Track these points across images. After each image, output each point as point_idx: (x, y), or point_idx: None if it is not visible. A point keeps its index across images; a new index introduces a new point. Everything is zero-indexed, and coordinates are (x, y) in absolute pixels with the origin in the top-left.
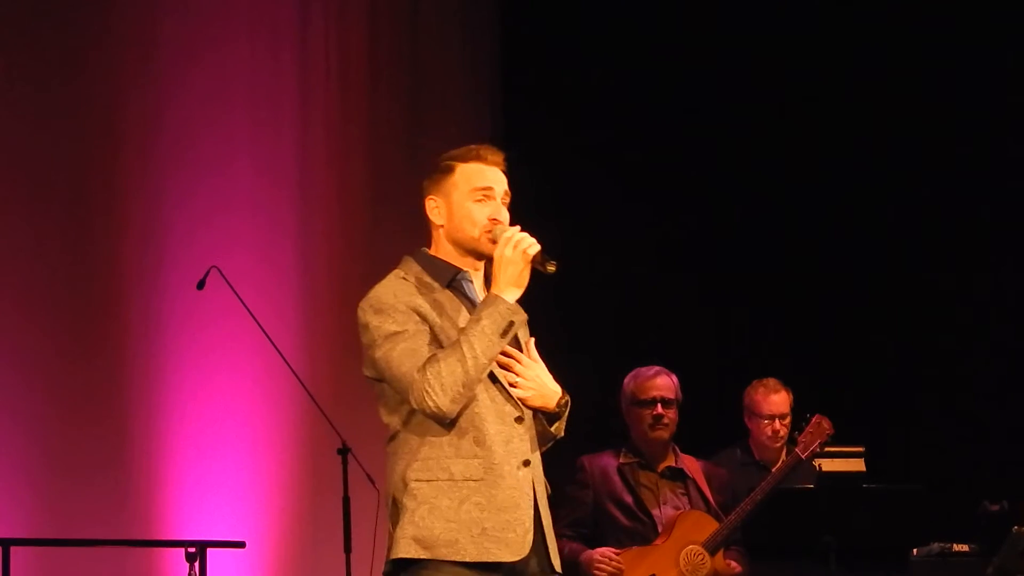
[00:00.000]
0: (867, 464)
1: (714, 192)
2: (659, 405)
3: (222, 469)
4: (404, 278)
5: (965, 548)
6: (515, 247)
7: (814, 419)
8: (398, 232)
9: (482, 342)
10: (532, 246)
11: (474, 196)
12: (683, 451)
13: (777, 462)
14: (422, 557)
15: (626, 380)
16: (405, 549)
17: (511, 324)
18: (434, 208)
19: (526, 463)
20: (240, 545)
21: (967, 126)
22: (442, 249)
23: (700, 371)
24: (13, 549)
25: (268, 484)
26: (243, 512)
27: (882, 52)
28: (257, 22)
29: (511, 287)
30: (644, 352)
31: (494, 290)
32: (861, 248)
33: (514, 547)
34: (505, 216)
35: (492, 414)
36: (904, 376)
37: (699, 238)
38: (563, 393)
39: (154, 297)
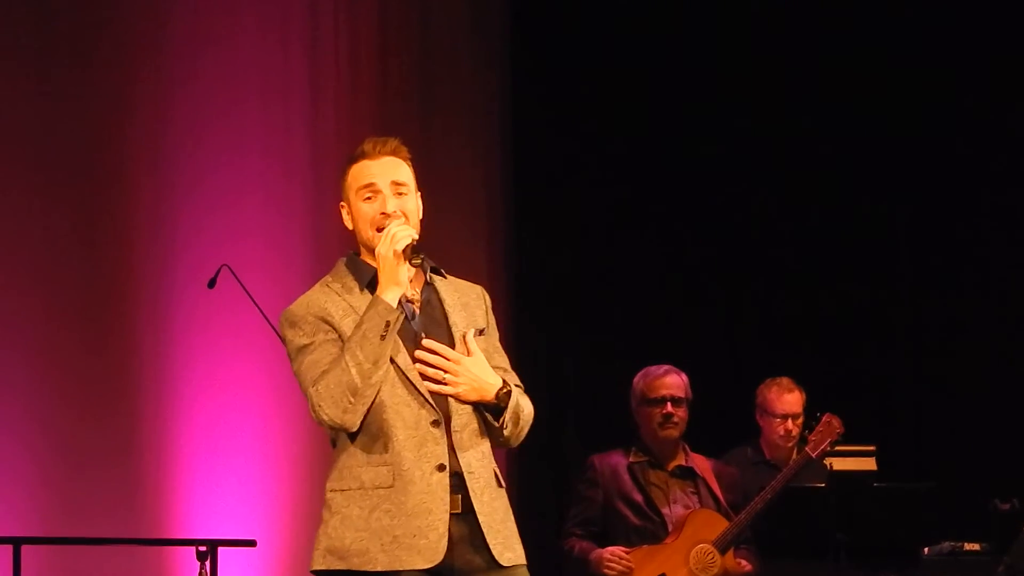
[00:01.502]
0: (878, 463)
1: (725, 189)
2: (669, 404)
3: (233, 467)
4: (328, 284)
5: (976, 547)
6: (389, 244)
7: (824, 418)
8: None
9: (364, 348)
10: (400, 241)
11: (361, 196)
12: (693, 450)
13: (787, 461)
14: (337, 568)
15: (636, 379)
16: (320, 561)
17: (387, 324)
18: (345, 215)
19: (441, 467)
20: (251, 544)
21: (968, 125)
22: (364, 252)
23: (710, 370)
24: (24, 548)
25: (279, 482)
26: (254, 510)
27: (887, 50)
28: (267, 11)
29: (390, 286)
30: (654, 351)
31: (377, 291)
32: (871, 247)
33: (426, 554)
34: (400, 206)
35: (402, 419)
36: (915, 375)
37: (711, 236)
38: (504, 384)
39: (164, 290)
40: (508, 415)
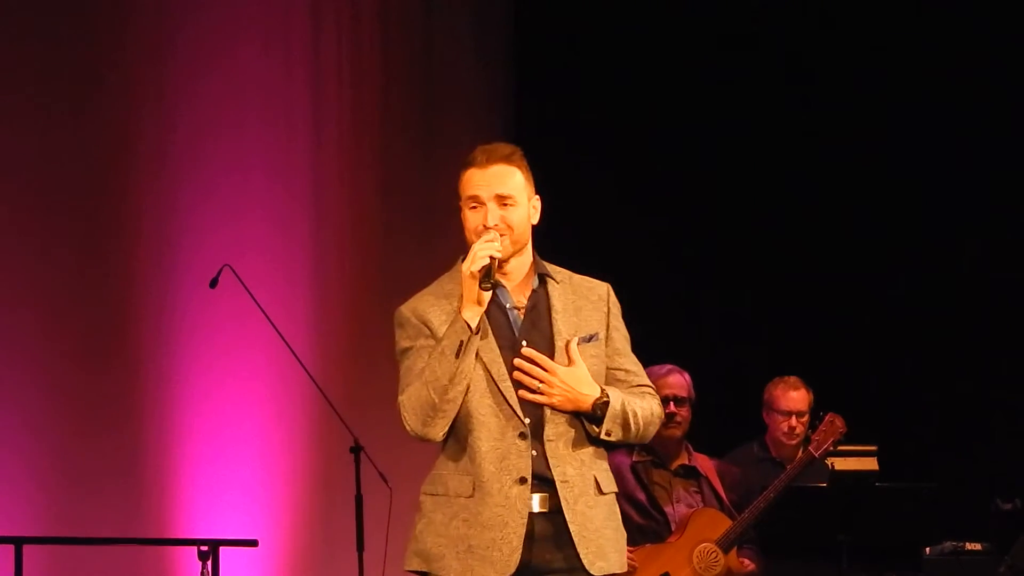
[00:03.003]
0: (880, 463)
1: (727, 188)
2: (672, 403)
3: (235, 468)
4: (442, 284)
5: (978, 547)
6: (470, 263)
7: (827, 418)
8: (410, 236)
9: (441, 364)
10: (478, 262)
11: (468, 205)
12: (696, 450)
13: (792, 459)
14: (421, 570)
15: None
16: (409, 562)
17: (461, 344)
18: (462, 217)
19: (521, 480)
20: (252, 544)
21: (969, 125)
22: None
23: (713, 370)
24: (26, 548)
25: (281, 482)
26: (256, 510)
27: (887, 50)
28: (270, 30)
29: (470, 304)
30: (654, 351)
31: (459, 309)
32: (876, 247)
33: (499, 566)
34: (505, 217)
35: (487, 430)
36: (917, 375)
37: (714, 234)
38: (601, 394)
39: (167, 300)
40: (608, 424)
